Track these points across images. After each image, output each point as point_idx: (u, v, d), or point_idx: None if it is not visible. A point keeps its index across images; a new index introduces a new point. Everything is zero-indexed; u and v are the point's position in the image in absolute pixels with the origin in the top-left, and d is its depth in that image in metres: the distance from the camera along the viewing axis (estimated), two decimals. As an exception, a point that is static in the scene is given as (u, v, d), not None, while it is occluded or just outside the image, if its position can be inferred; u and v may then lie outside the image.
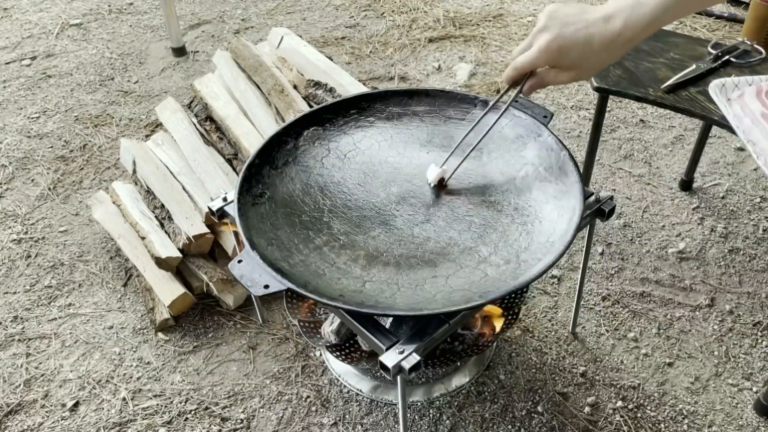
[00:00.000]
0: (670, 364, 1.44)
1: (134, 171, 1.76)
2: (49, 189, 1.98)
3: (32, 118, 2.28)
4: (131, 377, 1.46)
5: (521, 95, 1.07)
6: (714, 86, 1.27)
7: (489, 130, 1.16)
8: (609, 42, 0.90)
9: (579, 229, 1.06)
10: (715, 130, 1.96)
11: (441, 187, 1.20)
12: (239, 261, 1.02)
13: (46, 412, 1.40)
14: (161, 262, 1.53)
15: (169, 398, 1.42)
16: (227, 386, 1.43)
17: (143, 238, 1.59)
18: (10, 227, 1.85)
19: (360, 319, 1.02)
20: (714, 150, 2.00)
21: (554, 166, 1.18)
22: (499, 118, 1.15)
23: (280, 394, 1.41)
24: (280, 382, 1.43)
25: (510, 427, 1.33)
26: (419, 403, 1.38)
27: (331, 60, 1.91)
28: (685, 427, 1.33)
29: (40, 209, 1.91)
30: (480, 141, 1.17)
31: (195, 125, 1.83)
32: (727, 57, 1.45)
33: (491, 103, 1.18)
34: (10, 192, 1.98)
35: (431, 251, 1.11)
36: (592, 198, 1.16)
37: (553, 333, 1.51)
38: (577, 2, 0.96)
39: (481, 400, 1.38)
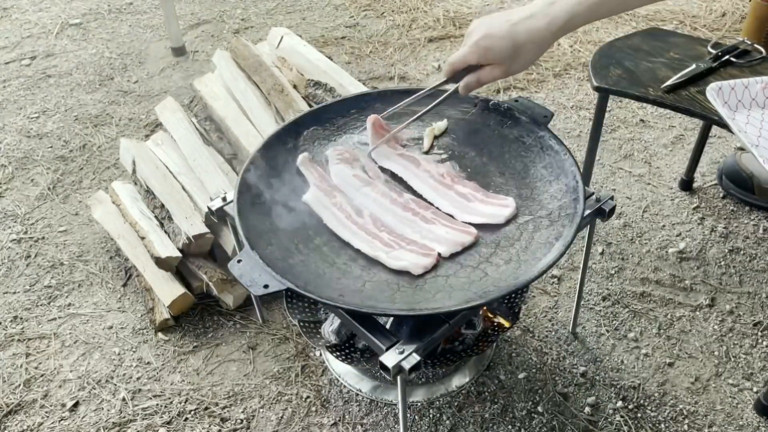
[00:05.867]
0: (670, 364, 1.44)
1: (134, 171, 1.76)
2: (49, 189, 1.98)
3: (32, 117, 2.27)
4: (131, 377, 1.46)
5: (480, 97, 1.18)
6: (710, 90, 1.26)
7: (422, 113, 1.23)
8: (536, 36, 1.01)
9: (579, 228, 1.05)
10: (715, 130, 1.96)
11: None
12: (239, 261, 1.02)
13: (46, 412, 1.40)
14: (161, 262, 1.53)
15: (169, 398, 1.41)
16: (227, 386, 1.43)
17: (143, 238, 1.58)
18: (9, 227, 1.85)
19: (360, 319, 1.02)
20: (714, 150, 2.00)
21: (554, 165, 1.18)
22: (436, 104, 1.22)
23: (280, 394, 1.41)
24: (280, 382, 1.43)
25: (510, 427, 1.33)
26: (419, 404, 1.38)
27: (331, 60, 1.91)
28: (686, 427, 1.33)
29: (39, 209, 1.91)
30: (410, 122, 1.24)
31: (195, 125, 1.83)
32: (727, 57, 1.44)
33: (426, 90, 1.24)
34: (10, 192, 1.98)
35: (431, 251, 1.11)
36: (593, 198, 1.16)
37: (553, 333, 1.51)
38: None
39: (481, 400, 1.38)
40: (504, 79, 1.15)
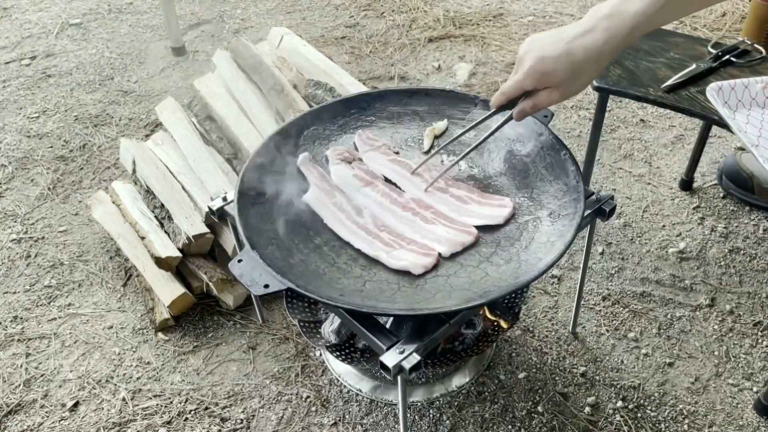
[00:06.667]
0: (670, 364, 1.44)
1: (134, 171, 1.76)
2: (49, 189, 1.98)
3: (32, 117, 2.27)
4: (131, 377, 1.46)
5: (512, 121, 1.09)
6: (711, 90, 1.26)
7: (471, 149, 1.19)
8: (595, 53, 0.92)
9: (579, 228, 1.05)
10: (715, 129, 1.96)
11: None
12: (239, 260, 1.02)
13: (46, 412, 1.40)
14: (161, 262, 1.53)
15: (169, 398, 1.41)
16: (227, 386, 1.43)
17: (143, 238, 1.58)
18: (10, 227, 1.85)
19: (360, 318, 1.02)
20: (714, 150, 2.00)
21: (554, 165, 1.18)
22: (486, 138, 1.17)
23: (280, 394, 1.41)
24: (280, 382, 1.43)
25: (510, 427, 1.33)
26: (419, 403, 1.38)
27: (331, 60, 1.91)
28: (686, 427, 1.33)
29: (39, 209, 1.91)
30: (458, 160, 1.21)
31: (195, 125, 1.83)
32: (727, 57, 1.44)
33: (476, 123, 1.18)
34: (10, 192, 1.98)
35: (431, 251, 1.11)
36: (593, 198, 1.16)
37: (553, 333, 1.51)
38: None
39: (481, 400, 1.38)
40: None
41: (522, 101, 1.03)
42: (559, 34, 0.95)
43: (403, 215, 1.15)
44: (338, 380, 1.43)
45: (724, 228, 1.74)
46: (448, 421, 1.35)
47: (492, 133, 1.15)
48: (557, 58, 0.94)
